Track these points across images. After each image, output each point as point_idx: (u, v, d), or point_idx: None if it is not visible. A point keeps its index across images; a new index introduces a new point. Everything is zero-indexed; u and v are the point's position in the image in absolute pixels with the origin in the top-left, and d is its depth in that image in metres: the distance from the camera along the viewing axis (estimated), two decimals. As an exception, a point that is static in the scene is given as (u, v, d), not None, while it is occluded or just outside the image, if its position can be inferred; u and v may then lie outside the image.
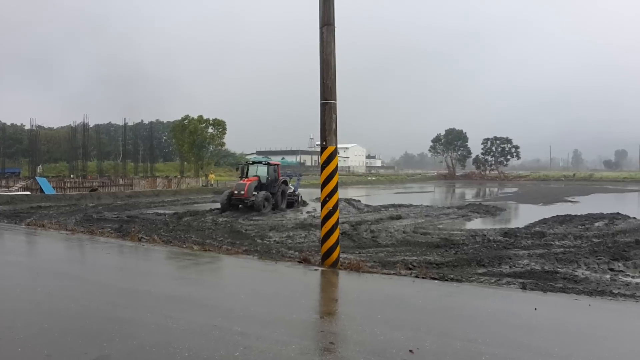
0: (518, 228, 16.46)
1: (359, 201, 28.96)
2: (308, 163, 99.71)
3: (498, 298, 6.07)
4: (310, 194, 31.29)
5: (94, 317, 4.69)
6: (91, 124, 60.46)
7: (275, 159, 37.64)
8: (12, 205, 24.63)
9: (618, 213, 20.15)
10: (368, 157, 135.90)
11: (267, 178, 24.35)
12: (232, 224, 17.76)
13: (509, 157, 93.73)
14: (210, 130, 51.55)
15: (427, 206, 26.85)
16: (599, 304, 5.96)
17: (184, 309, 4.98)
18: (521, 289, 7.28)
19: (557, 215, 20.16)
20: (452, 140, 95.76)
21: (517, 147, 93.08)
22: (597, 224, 17.56)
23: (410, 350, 3.87)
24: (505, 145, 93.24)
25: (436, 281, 6.99)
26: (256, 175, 24.30)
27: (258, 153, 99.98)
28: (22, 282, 6.42)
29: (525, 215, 24.56)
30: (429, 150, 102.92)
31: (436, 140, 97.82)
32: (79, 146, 48.39)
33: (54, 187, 33.08)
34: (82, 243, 10.08)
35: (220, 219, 19.51)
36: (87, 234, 11.52)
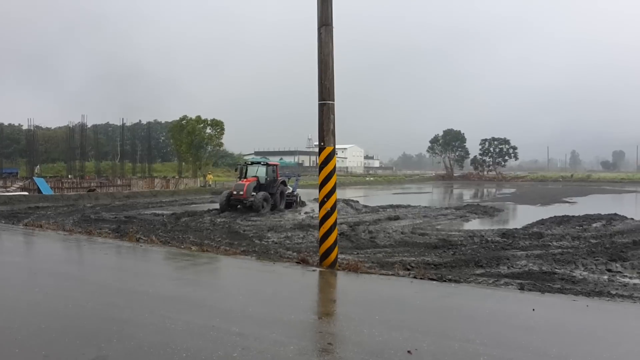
0: (516, 229, 16.47)
1: (357, 202, 28.96)
2: (306, 163, 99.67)
3: (496, 299, 6.07)
4: (308, 195, 31.27)
5: (91, 318, 4.68)
6: (89, 124, 60.54)
7: (274, 160, 37.68)
8: (9, 205, 24.56)
9: (615, 214, 20.20)
10: (366, 157, 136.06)
11: (266, 178, 24.36)
12: (230, 224, 17.74)
13: (506, 157, 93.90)
14: (208, 130, 51.53)
15: (425, 207, 26.84)
16: (597, 305, 5.97)
17: (182, 309, 4.98)
18: (519, 289, 7.30)
19: (555, 216, 20.19)
20: (450, 141, 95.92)
21: (514, 148, 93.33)
22: (594, 225, 17.57)
23: (409, 351, 3.87)
24: (503, 146, 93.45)
25: (434, 282, 7.01)
26: (255, 176, 24.30)
27: (256, 153, 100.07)
28: (19, 282, 6.42)
29: (523, 216, 24.60)
30: (427, 151, 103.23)
31: (434, 140, 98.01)
32: (77, 146, 48.36)
33: (51, 188, 33.02)
34: (80, 243, 10.05)
35: (219, 220, 19.47)
36: (85, 235, 11.48)
